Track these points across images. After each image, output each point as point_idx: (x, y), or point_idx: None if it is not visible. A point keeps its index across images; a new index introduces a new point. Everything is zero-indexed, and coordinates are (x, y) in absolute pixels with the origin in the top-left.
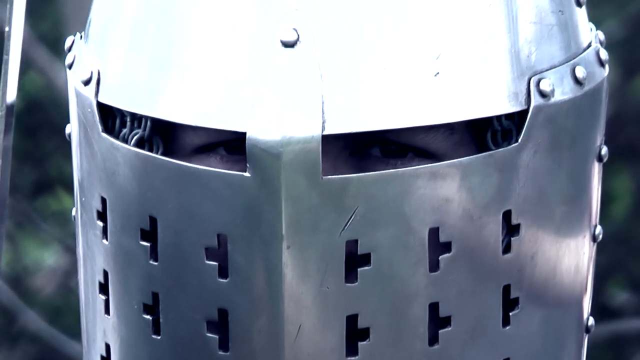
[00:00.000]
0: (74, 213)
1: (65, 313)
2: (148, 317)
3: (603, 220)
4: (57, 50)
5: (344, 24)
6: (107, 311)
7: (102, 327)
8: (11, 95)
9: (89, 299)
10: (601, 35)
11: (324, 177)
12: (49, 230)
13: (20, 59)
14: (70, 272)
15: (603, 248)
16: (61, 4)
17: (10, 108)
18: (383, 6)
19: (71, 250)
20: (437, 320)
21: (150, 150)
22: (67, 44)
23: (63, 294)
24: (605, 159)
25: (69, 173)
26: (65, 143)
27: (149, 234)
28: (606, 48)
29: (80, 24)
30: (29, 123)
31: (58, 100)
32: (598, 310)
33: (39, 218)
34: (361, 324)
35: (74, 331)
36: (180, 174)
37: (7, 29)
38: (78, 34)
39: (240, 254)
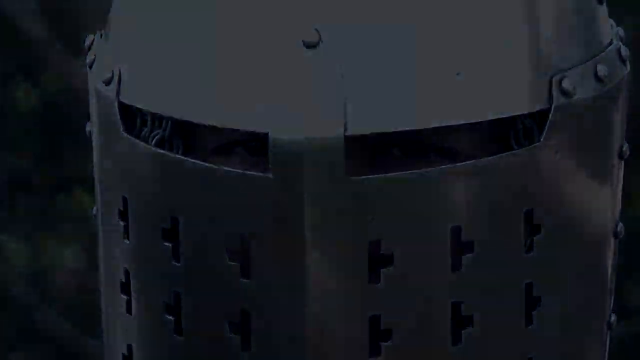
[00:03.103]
0: (94, 212)
1: (84, 312)
2: (170, 317)
3: (620, 218)
4: (76, 49)
5: (366, 24)
6: (128, 310)
7: (123, 326)
8: None
9: (110, 298)
10: (621, 32)
11: (346, 178)
12: (68, 229)
13: (39, 58)
14: (89, 270)
15: (620, 246)
16: (80, 2)
17: None
18: (404, 7)
19: (90, 249)
20: (460, 320)
21: (171, 150)
22: (87, 43)
23: (82, 293)
24: (626, 156)
25: (87, 172)
26: (83, 142)
27: (171, 234)
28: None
29: (99, 23)
30: (48, 122)
31: (76, 99)
32: (615, 308)
33: (57, 217)
34: (384, 324)
35: (93, 330)
36: (201, 174)
37: None
38: (98, 33)
39: (262, 255)
